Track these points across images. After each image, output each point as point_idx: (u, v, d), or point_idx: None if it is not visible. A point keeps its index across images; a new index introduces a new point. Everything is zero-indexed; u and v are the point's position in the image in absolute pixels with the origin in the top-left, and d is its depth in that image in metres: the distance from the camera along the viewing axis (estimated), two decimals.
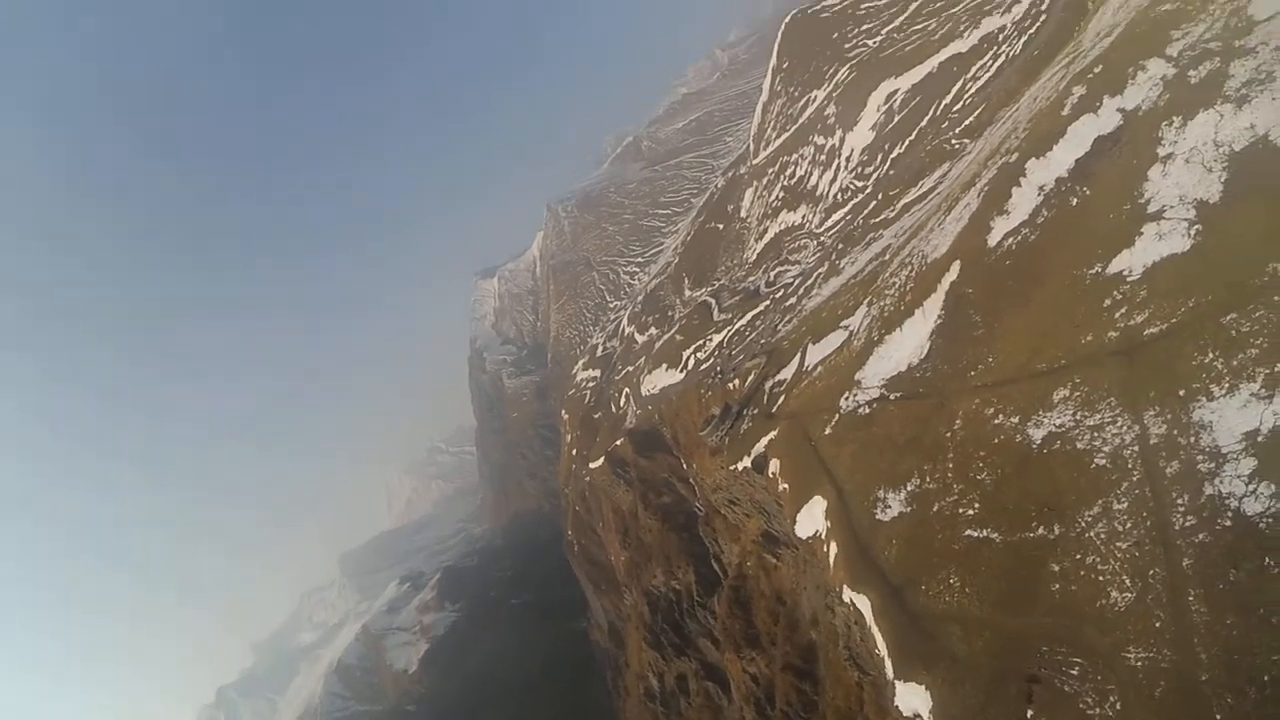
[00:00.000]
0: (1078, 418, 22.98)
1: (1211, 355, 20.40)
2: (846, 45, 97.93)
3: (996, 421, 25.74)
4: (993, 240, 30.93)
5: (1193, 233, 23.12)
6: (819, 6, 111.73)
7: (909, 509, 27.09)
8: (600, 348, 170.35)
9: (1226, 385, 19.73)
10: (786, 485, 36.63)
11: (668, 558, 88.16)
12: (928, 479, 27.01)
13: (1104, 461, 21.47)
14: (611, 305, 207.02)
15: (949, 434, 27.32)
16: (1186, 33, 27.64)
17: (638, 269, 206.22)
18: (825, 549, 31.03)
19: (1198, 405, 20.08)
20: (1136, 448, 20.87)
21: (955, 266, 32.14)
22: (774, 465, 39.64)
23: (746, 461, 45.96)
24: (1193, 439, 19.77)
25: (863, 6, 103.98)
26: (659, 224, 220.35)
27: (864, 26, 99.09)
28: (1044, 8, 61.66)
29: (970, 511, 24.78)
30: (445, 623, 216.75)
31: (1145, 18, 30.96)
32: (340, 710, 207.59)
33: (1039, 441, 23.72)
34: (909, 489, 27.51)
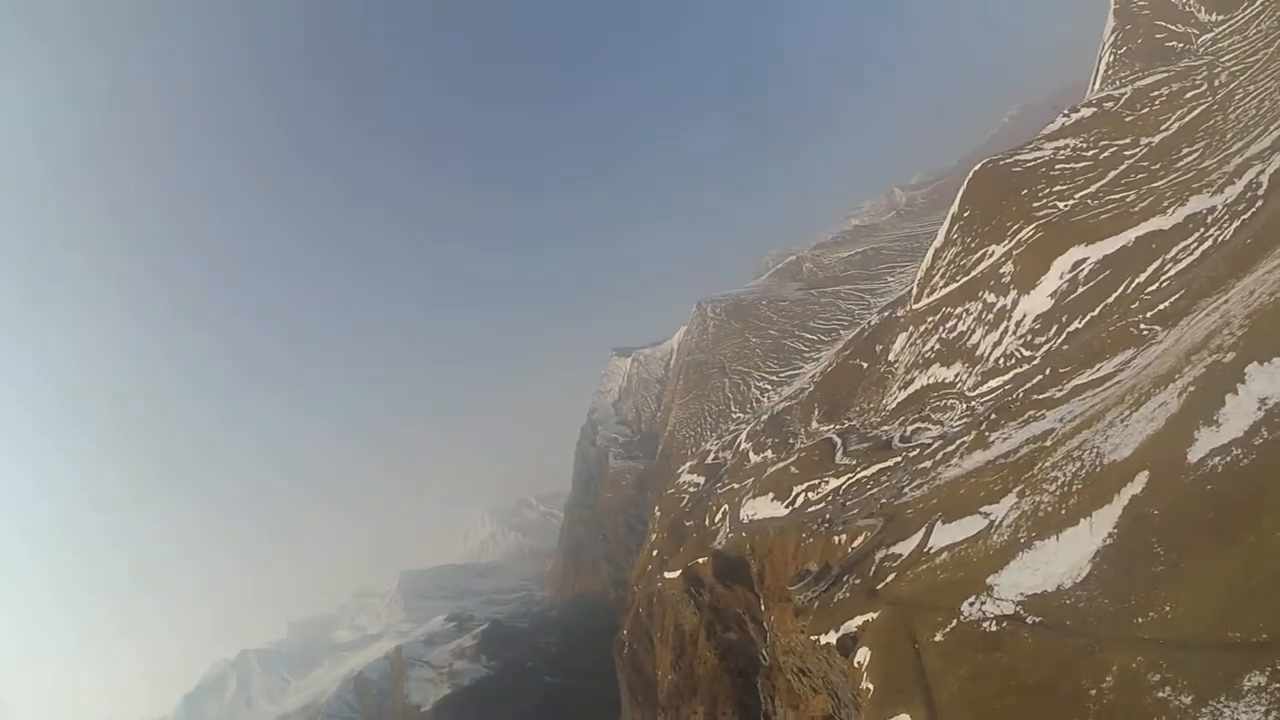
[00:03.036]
0: (1272, 718, 16.31)
1: None
2: (1035, 204, 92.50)
3: (1161, 695, 19.00)
4: (1194, 456, 24.22)
5: None
6: (1010, 160, 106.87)
7: None
8: (712, 455, 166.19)
9: None
10: (871, 686, 30.29)
11: (715, 698, 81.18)
12: None
13: None
14: (734, 416, 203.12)
15: (1094, 692, 20.65)
16: None
17: (770, 387, 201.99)
18: None
19: None
20: None
21: (1141, 478, 25.60)
22: (862, 654, 33.34)
23: (832, 637, 39.76)
24: None
25: (1057, 166, 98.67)
26: (802, 347, 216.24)
27: (1056, 188, 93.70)
28: (1261, 192, 55.09)
29: None
30: (475, 675, 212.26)
31: None
32: (343, 719, 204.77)
33: None
34: None
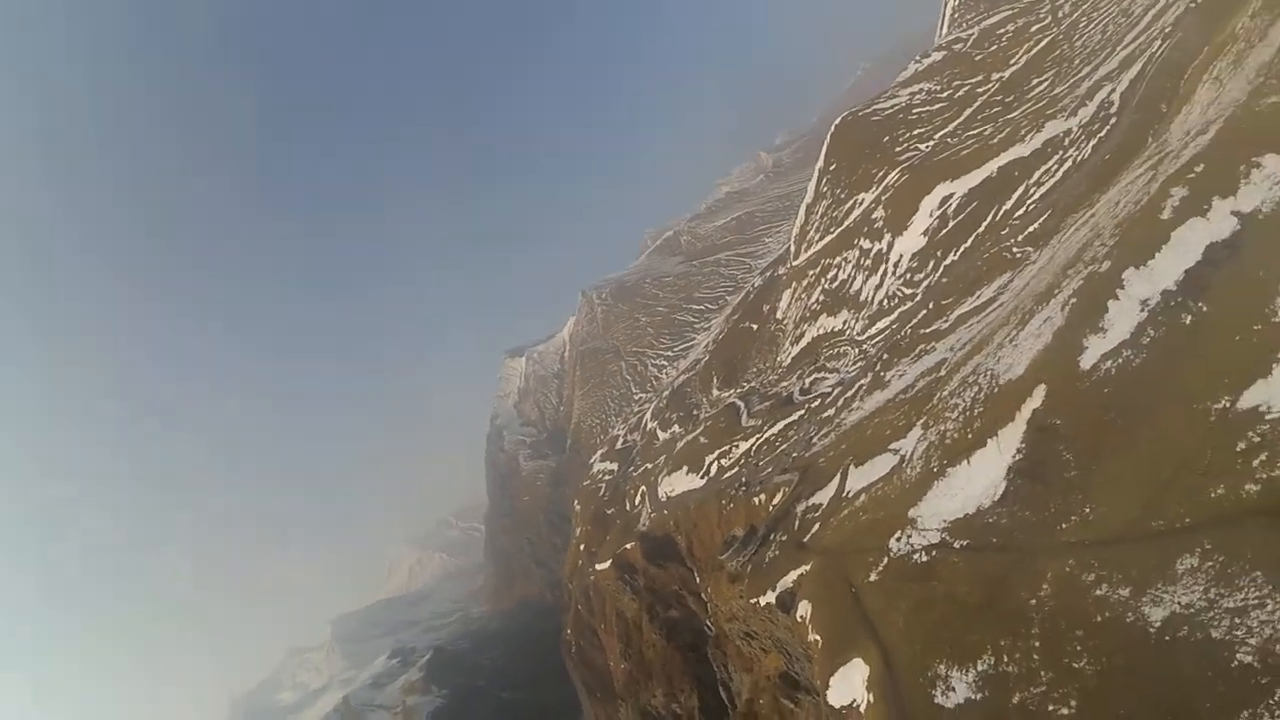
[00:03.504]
0: (1211, 596, 17.40)
1: None
2: (897, 149, 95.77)
3: (1099, 593, 19.90)
4: (1086, 363, 25.59)
5: None
6: (869, 110, 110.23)
7: (979, 695, 21.06)
8: (621, 440, 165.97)
9: None
10: (818, 637, 30.72)
11: (670, 677, 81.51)
12: (1006, 659, 21.01)
13: (1250, 658, 15.94)
14: (636, 397, 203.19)
15: (1034, 601, 21.46)
16: None
17: (667, 363, 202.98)
18: None
19: None
20: None
21: (1039, 391, 26.79)
22: (804, 608, 33.78)
23: (770, 596, 40.14)
24: None
25: (915, 111, 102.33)
26: (692, 319, 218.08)
27: (916, 131, 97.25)
28: (1113, 110, 58.45)
29: (1065, 711, 18.88)
30: (429, 707, 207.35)
31: (1248, 112, 27.04)
32: None
33: (1158, 624, 17.99)
34: (980, 669, 21.49)
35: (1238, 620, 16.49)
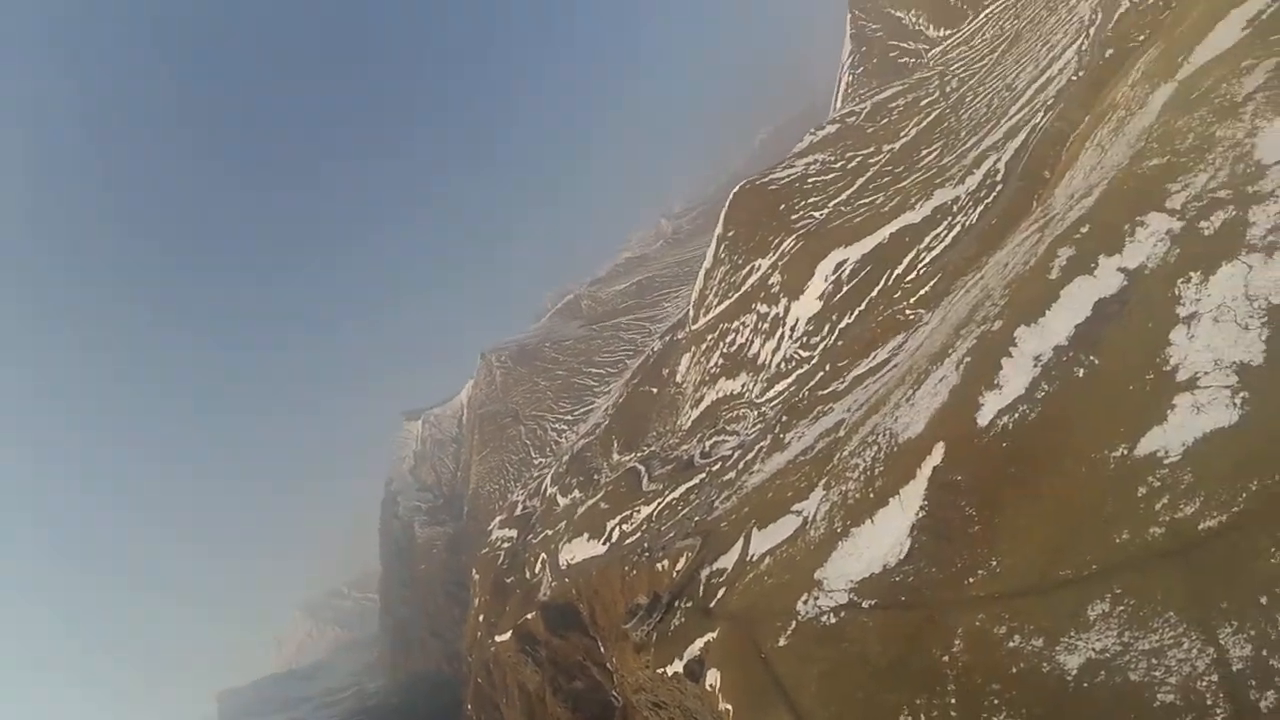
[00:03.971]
0: (1126, 639, 17.58)
1: None
2: (793, 217, 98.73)
3: (1013, 644, 19.93)
4: (983, 419, 26.28)
5: (1238, 401, 19.10)
6: (766, 179, 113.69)
7: None
8: (520, 506, 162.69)
9: None
10: (729, 706, 30.00)
11: None
12: (923, 717, 20.74)
13: (1172, 697, 16.12)
14: (536, 462, 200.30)
15: (947, 658, 21.37)
16: (1187, 185, 25.08)
17: (566, 426, 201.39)
18: None
19: None
20: (1215, 677, 15.69)
21: (938, 449, 27.34)
22: (713, 676, 33.00)
23: (678, 665, 39.15)
24: None
25: (810, 180, 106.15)
26: (592, 383, 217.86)
27: (811, 199, 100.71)
28: (999, 178, 61.80)
29: None
30: None
31: (1131, 175, 28.61)
32: None
33: (1075, 671, 18.07)
34: None
35: (1155, 661, 16.69)
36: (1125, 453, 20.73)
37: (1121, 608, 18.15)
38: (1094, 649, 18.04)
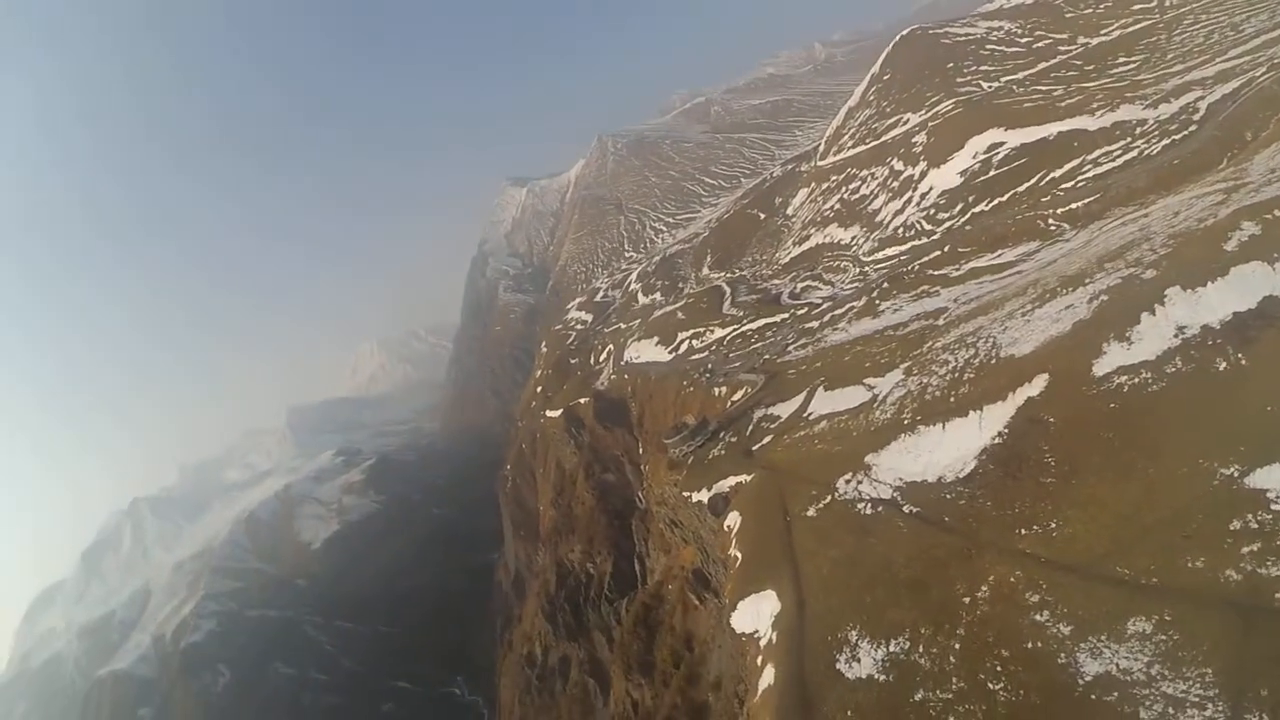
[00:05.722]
0: (1154, 672, 15.48)
1: None
2: (959, 79, 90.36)
3: (1038, 618, 18.09)
4: (1100, 369, 23.20)
5: None
6: (940, 31, 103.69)
7: (883, 677, 19.69)
8: (601, 293, 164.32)
9: None
10: (739, 554, 29.83)
11: (591, 538, 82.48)
12: (922, 650, 19.46)
13: None
14: (627, 255, 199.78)
15: (969, 600, 19.71)
16: None
17: (665, 228, 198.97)
18: (757, 663, 24.11)
19: None
20: None
21: (1039, 380, 24.59)
22: (733, 518, 32.87)
23: (704, 495, 39.28)
24: None
25: (988, 46, 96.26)
26: (701, 191, 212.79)
27: (984, 67, 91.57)
28: (1197, 118, 54.79)
29: None
30: (363, 510, 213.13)
31: None
32: (237, 562, 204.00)
33: (1090, 679, 16.21)
34: (892, 649, 20.07)
35: (1171, 711, 14.70)
36: (1236, 475, 17.91)
37: (1163, 637, 15.95)
38: (1118, 665, 16.03)
